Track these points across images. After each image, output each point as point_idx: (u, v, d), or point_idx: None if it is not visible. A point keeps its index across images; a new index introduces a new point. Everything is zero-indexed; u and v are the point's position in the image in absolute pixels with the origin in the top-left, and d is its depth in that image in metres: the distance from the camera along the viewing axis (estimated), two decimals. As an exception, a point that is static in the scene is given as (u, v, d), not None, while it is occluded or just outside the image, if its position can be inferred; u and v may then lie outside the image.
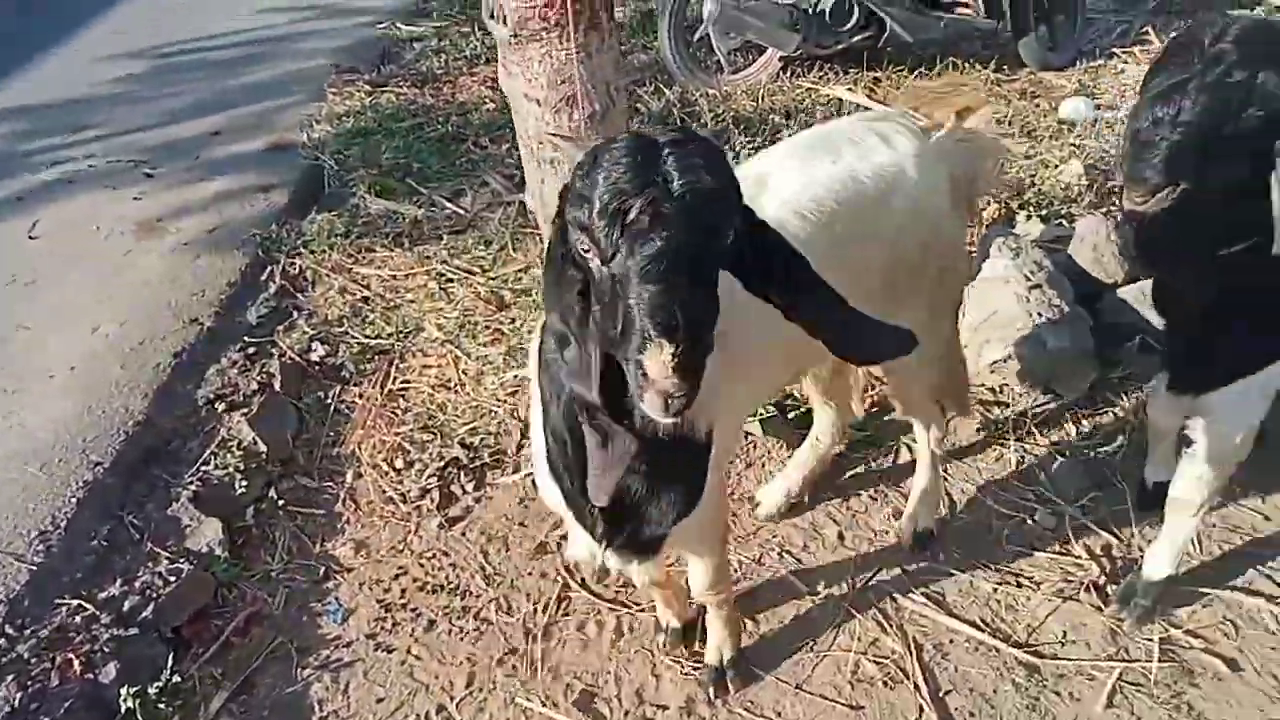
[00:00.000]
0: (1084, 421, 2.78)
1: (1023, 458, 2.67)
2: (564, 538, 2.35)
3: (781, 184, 1.75)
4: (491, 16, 2.09)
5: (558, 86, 2.15)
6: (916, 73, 4.74)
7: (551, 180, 2.33)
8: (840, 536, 2.50)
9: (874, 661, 2.16)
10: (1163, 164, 1.44)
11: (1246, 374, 1.86)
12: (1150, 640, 2.16)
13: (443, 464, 2.75)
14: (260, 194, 4.10)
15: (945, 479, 2.59)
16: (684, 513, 1.62)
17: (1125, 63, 4.97)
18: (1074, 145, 4.16)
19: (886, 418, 2.81)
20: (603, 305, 1.18)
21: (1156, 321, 2.45)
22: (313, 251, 3.64)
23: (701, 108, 4.37)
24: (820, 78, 4.75)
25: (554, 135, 2.17)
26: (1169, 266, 1.74)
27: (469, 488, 2.72)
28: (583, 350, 1.24)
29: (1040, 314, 2.77)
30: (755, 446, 2.77)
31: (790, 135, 4.03)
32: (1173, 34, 1.52)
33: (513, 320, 3.21)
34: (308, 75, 5.31)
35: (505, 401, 2.95)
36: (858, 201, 1.77)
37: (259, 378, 3.01)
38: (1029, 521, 2.50)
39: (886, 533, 2.50)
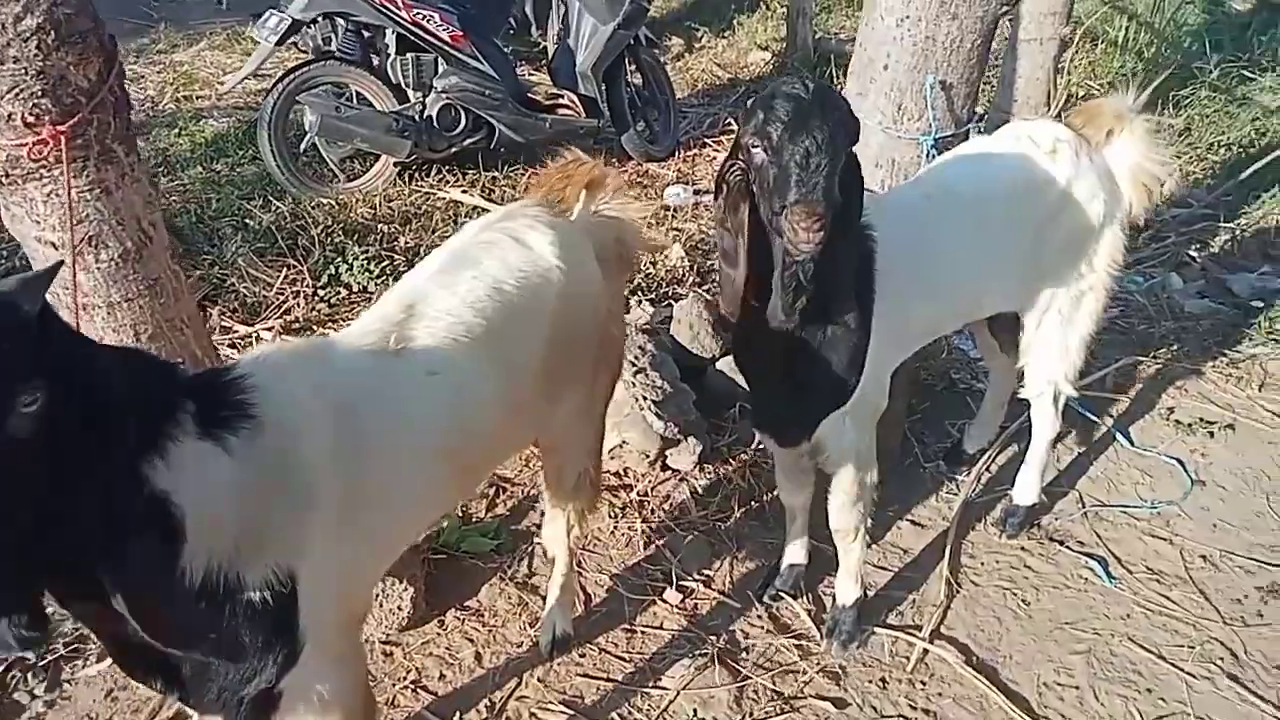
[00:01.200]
0: (700, 492, 2.94)
1: (649, 539, 2.76)
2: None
3: (432, 310, 1.66)
4: (-25, 154, 1.81)
5: (74, 227, 1.91)
6: (530, 170, 4.93)
7: (88, 326, 2.06)
8: (478, 656, 2.40)
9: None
10: (825, 189, 1.58)
11: (834, 409, 2.03)
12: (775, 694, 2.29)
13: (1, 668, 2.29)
14: None
15: (580, 573, 2.61)
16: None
17: (716, 150, 5.52)
18: (676, 230, 4.51)
19: (518, 525, 2.79)
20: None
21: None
22: None
23: (315, 219, 4.19)
24: (439, 180, 4.78)
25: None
26: (819, 300, 1.82)
27: (39, 690, 2.29)
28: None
29: (645, 396, 2.91)
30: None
31: (406, 242, 4.06)
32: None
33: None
34: None
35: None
36: (509, 311, 1.72)
37: None
38: (659, 601, 2.57)
39: (523, 644, 2.44)
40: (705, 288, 3.84)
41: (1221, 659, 2.39)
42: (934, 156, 2.33)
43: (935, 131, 2.34)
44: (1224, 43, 5.98)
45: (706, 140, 5.61)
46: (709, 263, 4.11)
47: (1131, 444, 3.12)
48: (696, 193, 4.95)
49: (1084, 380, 3.34)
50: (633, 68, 5.28)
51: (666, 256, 4.22)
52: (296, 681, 1.49)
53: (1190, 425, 3.18)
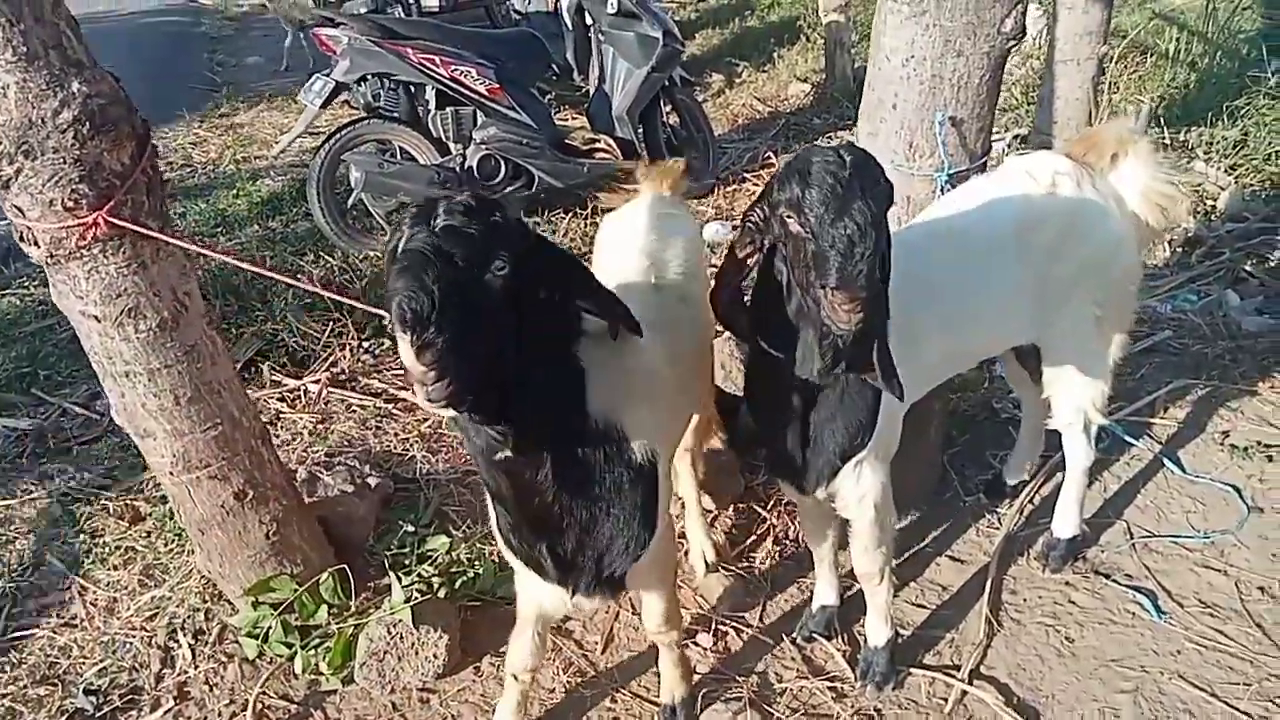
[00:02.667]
0: (734, 531, 2.93)
1: (681, 581, 2.76)
2: None
3: (669, 263, 2.30)
4: (22, 239, 1.95)
5: (113, 301, 2.03)
6: (571, 213, 5.02)
7: (130, 393, 2.18)
8: (512, 703, 2.44)
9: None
10: (867, 274, 1.58)
11: (852, 456, 2.03)
12: None
13: (61, 723, 2.41)
14: None
15: (616, 619, 2.64)
16: (642, 548, 1.86)
17: (755, 184, 5.54)
18: (714, 265, 4.53)
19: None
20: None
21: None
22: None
23: (362, 272, 4.34)
24: (482, 228, 4.89)
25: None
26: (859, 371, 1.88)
27: (96, 741, 2.40)
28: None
29: (676, 439, 2.92)
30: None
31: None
32: (790, 155, 1.74)
33: (148, 535, 2.93)
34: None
35: (141, 629, 2.66)
36: (690, 267, 2.38)
37: None
38: (692, 645, 2.57)
39: (555, 690, 2.46)
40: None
41: (1279, 697, 2.29)
42: (948, 190, 2.32)
43: (949, 167, 2.33)
44: (1283, 48, 5.79)
45: (746, 175, 5.64)
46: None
47: (1183, 471, 3.01)
48: (735, 228, 4.97)
49: (1133, 405, 3.29)
50: (669, 108, 5.35)
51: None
52: (643, 563, 1.90)
53: (1246, 450, 3.06)
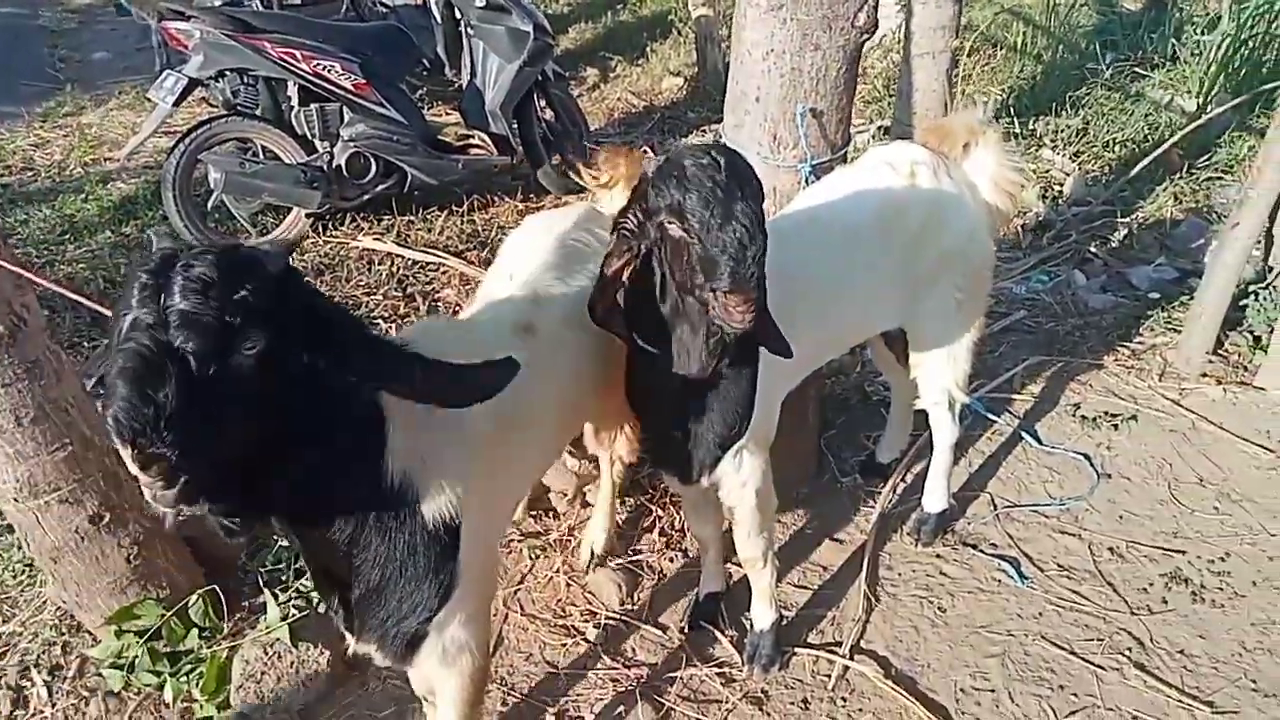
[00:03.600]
0: (621, 525, 2.94)
1: (570, 578, 2.76)
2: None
3: (555, 298, 2.00)
4: None
5: (-55, 318, 1.87)
6: (447, 210, 4.93)
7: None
8: (399, 715, 2.38)
9: None
10: (759, 274, 1.58)
11: (731, 445, 2.06)
12: None
13: None
14: None
15: (505, 615, 2.61)
16: (430, 613, 1.70)
17: (634, 178, 5.56)
18: (595, 260, 4.53)
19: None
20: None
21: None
22: None
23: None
24: (353, 228, 4.75)
25: None
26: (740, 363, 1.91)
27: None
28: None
29: (559, 436, 2.91)
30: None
31: (319, 294, 4.02)
32: (663, 154, 1.71)
33: (-6, 567, 2.73)
34: None
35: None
36: None
37: None
38: (582, 640, 2.57)
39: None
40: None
41: (1129, 649, 2.46)
42: (812, 182, 2.38)
43: (812, 158, 2.39)
44: (1117, 42, 6.20)
45: (624, 169, 5.65)
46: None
47: (1039, 442, 3.20)
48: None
49: (993, 382, 3.46)
50: (543, 103, 5.31)
51: (585, 289, 4.24)
52: (442, 624, 1.73)
53: (1095, 419, 3.28)
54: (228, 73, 4.48)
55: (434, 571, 1.66)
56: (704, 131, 5.99)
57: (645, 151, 2.16)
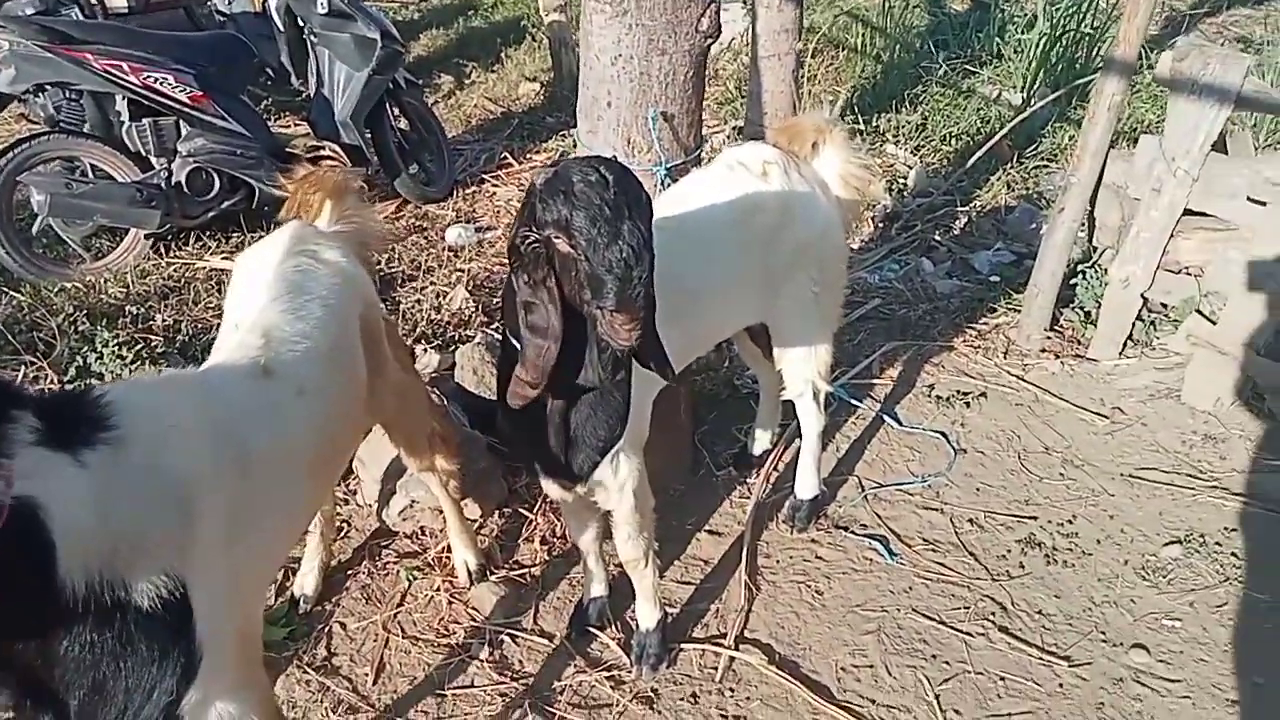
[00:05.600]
0: (503, 536, 2.90)
1: (452, 596, 2.69)
2: None
3: (286, 336, 1.81)
4: None
5: None
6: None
7: None
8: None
9: None
10: (645, 293, 1.56)
11: (610, 449, 2.05)
12: None
13: None
14: None
15: (386, 638, 2.53)
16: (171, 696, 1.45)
17: (495, 186, 5.50)
18: (460, 270, 4.46)
19: (310, 607, 2.66)
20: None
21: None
22: None
23: (57, 307, 3.85)
24: (199, 248, 4.51)
25: None
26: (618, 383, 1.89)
27: None
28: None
29: (432, 451, 2.84)
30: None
31: (163, 319, 3.80)
32: (541, 168, 1.71)
33: None
34: None
35: None
36: (342, 323, 1.95)
37: None
38: (467, 659, 2.52)
39: (324, 732, 2.33)
40: (493, 327, 3.82)
41: (993, 614, 2.60)
42: (668, 184, 2.41)
43: (666, 161, 2.43)
44: (949, 41, 6.57)
45: (485, 176, 5.59)
46: (494, 301, 4.08)
47: (900, 424, 3.35)
48: (478, 230, 4.92)
49: (854, 369, 3.60)
50: (396, 111, 5.18)
51: (450, 300, 4.16)
52: (202, 704, 1.50)
53: (949, 399, 3.45)
54: (48, 87, 4.17)
55: (161, 655, 1.41)
56: (563, 136, 5.98)
57: (337, 166, 2.12)
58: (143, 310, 3.82)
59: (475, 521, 2.90)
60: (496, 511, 2.96)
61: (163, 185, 4.29)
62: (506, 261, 1.77)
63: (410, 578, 2.74)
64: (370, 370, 2.08)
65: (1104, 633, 2.52)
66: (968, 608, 2.62)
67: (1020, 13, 6.63)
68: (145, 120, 4.28)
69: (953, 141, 5.31)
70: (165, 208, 4.28)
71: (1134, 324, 3.53)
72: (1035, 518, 2.92)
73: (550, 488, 2.21)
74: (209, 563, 1.49)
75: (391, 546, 2.87)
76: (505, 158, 5.78)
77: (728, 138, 5.49)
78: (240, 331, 1.81)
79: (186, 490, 1.46)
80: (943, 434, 3.28)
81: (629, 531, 2.25)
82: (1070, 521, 2.90)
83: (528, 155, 5.86)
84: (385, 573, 2.77)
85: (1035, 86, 5.59)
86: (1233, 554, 2.73)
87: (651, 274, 1.59)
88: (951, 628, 2.55)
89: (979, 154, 4.82)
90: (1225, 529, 2.82)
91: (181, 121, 4.34)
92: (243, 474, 1.58)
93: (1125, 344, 3.56)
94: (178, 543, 1.44)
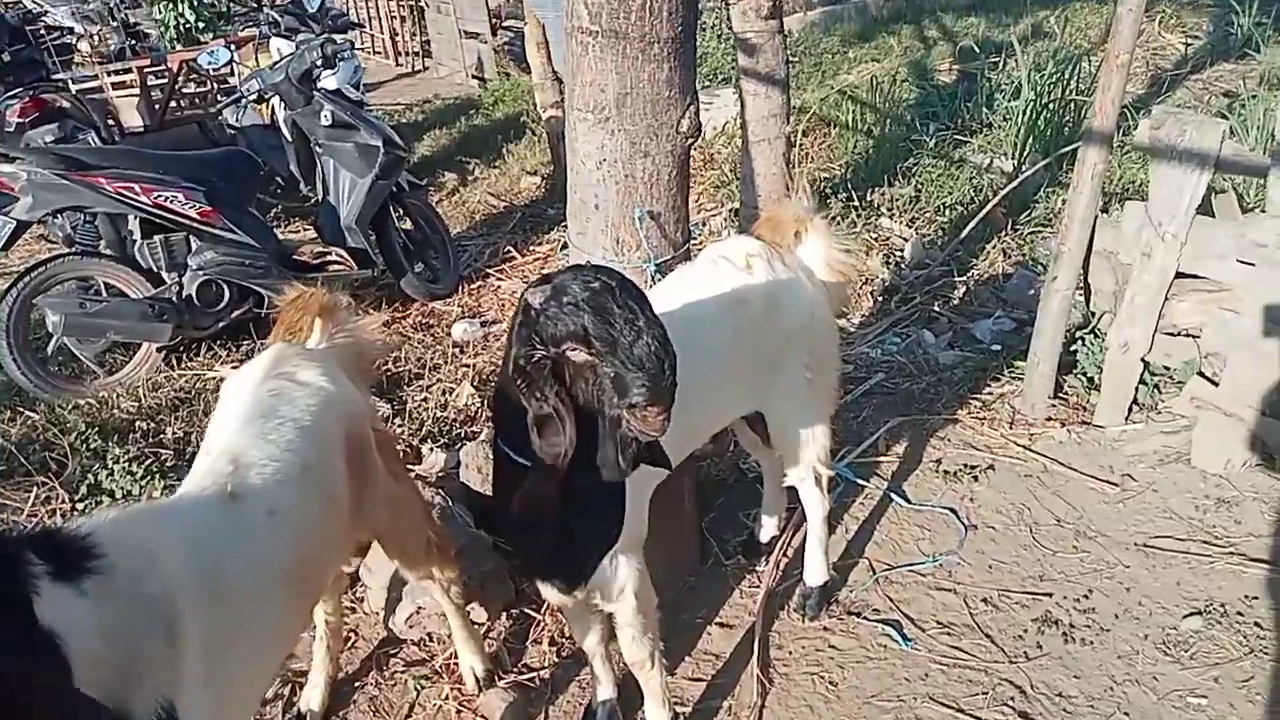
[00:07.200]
0: (511, 639, 2.87)
1: (460, 705, 2.66)
2: None
3: (255, 459, 1.83)
4: None
5: None
6: (310, 331, 4.82)
7: None
8: None
9: None
10: (670, 385, 1.60)
11: (608, 550, 2.05)
12: None
13: None
14: None
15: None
16: None
17: (500, 279, 5.60)
18: (466, 365, 4.52)
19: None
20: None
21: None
22: None
23: (69, 425, 3.92)
24: (210, 357, 4.60)
25: None
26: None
27: None
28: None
29: (436, 555, 2.84)
30: None
31: (174, 432, 3.86)
32: (527, 288, 1.72)
33: None
34: None
35: None
36: (316, 442, 1.95)
37: None
38: (478, 770, 2.48)
39: None
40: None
41: (1012, 699, 2.53)
42: (658, 280, 2.46)
43: (655, 257, 2.48)
44: (938, 113, 6.70)
45: (489, 271, 5.69)
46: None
47: (908, 502, 3.32)
48: (484, 324, 4.99)
49: (859, 448, 3.58)
50: (400, 213, 5.32)
51: (457, 396, 4.20)
52: None
53: (956, 473, 3.42)
54: (65, 210, 4.33)
55: None
56: (564, 227, 6.08)
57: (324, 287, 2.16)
58: (153, 425, 3.88)
59: (482, 625, 2.87)
60: (504, 613, 2.94)
61: (174, 299, 4.40)
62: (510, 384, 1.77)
63: (418, 687, 2.71)
64: (356, 485, 2.08)
65: (1127, 714, 2.45)
66: (986, 693, 2.56)
67: (1007, 81, 6.77)
68: (156, 238, 4.43)
69: (947, 212, 5.38)
70: (177, 320, 4.39)
71: (1137, 388, 3.51)
72: (1050, 594, 2.86)
73: (549, 593, 2.20)
74: (194, 684, 1.50)
75: (399, 655, 2.84)
76: (509, 251, 5.90)
77: (725, 220, 5.58)
78: (210, 457, 1.84)
79: (170, 612, 1.49)
80: (952, 510, 3.24)
81: (633, 634, 2.23)
82: (1086, 596, 2.84)
83: (530, 248, 5.98)
84: (393, 683, 2.74)
85: (1025, 153, 5.68)
86: (1255, 624, 2.66)
87: (676, 364, 1.64)
88: (971, 715, 2.49)
89: (974, 223, 4.87)
90: (1245, 597, 2.75)
91: (191, 236, 4.48)
92: (218, 594, 1.60)
93: (1130, 409, 3.53)
94: (168, 665, 1.46)
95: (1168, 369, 3.53)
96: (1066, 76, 5.95)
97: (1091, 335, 3.70)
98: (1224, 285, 3.26)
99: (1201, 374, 3.33)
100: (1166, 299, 3.34)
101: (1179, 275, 3.30)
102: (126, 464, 3.49)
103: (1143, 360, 3.45)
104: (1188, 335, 3.41)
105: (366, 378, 2.53)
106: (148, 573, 1.48)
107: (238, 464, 1.81)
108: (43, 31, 8.25)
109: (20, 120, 6.00)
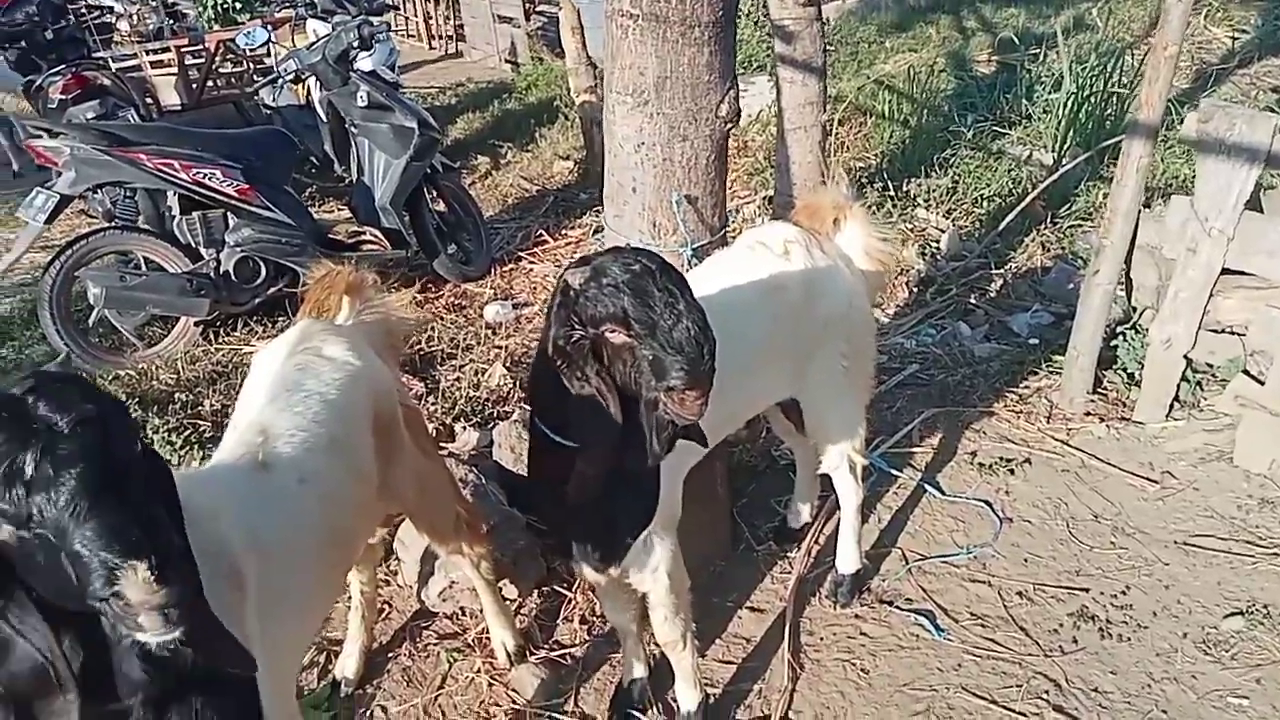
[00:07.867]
0: (542, 616, 2.89)
1: (492, 678, 2.67)
2: None
3: (282, 431, 1.85)
4: None
5: None
6: (344, 309, 4.85)
7: None
8: None
9: None
10: (709, 370, 1.59)
11: (643, 529, 2.05)
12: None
13: None
14: None
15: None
16: None
17: (532, 263, 5.61)
18: (498, 347, 4.53)
19: (352, 690, 2.66)
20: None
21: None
22: None
23: (114, 393, 3.96)
24: (246, 333, 4.65)
25: None
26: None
27: None
28: None
29: (468, 533, 2.85)
30: None
31: (211, 404, 3.90)
32: (567, 269, 1.70)
33: None
34: None
35: None
36: (341, 415, 1.95)
37: None
38: (508, 745, 2.49)
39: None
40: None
41: (1047, 692, 2.51)
42: (695, 264, 2.45)
43: (692, 242, 2.46)
44: (976, 104, 6.62)
45: (521, 254, 5.70)
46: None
47: (942, 493, 3.29)
48: (515, 306, 5.00)
49: (893, 438, 3.56)
50: (434, 194, 5.34)
51: (489, 376, 4.22)
52: None
53: (991, 466, 3.39)
54: (105, 186, 4.38)
55: None
56: (596, 212, 6.09)
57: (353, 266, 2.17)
58: (191, 397, 3.92)
59: (514, 601, 2.89)
60: (535, 591, 2.95)
61: (212, 275, 4.45)
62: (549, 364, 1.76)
63: (451, 659, 2.73)
64: (384, 459, 2.10)
65: (1165, 711, 2.42)
66: (1020, 686, 2.53)
67: (1047, 73, 6.67)
68: (195, 214, 4.47)
69: (985, 204, 5.31)
70: (214, 296, 4.43)
71: (1179, 385, 3.45)
72: (1087, 589, 2.83)
73: (584, 571, 2.21)
74: (254, 639, 1.55)
75: (432, 628, 2.86)
76: (541, 235, 5.90)
77: (759, 207, 5.55)
78: (238, 430, 1.87)
79: (234, 564, 1.57)
80: (987, 503, 3.21)
81: (665, 613, 2.23)
82: (1124, 593, 2.80)
83: (562, 231, 5.98)
84: (426, 655, 2.77)
85: (1066, 146, 5.60)
86: (1298, 625, 2.62)
87: (715, 348, 1.62)
88: (1004, 707, 2.47)
89: (1012, 215, 4.81)
90: (1289, 598, 2.71)
91: (229, 213, 4.52)
92: (265, 554, 1.64)
93: (1171, 406, 3.48)
94: (238, 609, 1.53)
95: (1211, 366, 3.47)
96: (1109, 69, 5.85)
97: (1133, 330, 3.65)
98: (1273, 282, 3.20)
99: (1246, 372, 3.27)
100: (1211, 295, 3.28)
101: (1225, 271, 3.24)
102: (166, 434, 3.53)
103: (1185, 357, 3.39)
104: (1232, 333, 3.35)
105: (394, 354, 2.54)
106: (211, 527, 1.53)
107: (267, 435, 1.84)
108: (83, 10, 8.33)
109: (63, 97, 6.08)
